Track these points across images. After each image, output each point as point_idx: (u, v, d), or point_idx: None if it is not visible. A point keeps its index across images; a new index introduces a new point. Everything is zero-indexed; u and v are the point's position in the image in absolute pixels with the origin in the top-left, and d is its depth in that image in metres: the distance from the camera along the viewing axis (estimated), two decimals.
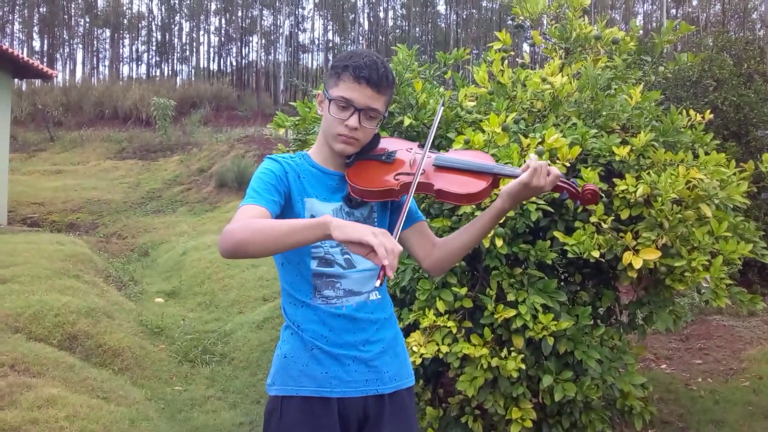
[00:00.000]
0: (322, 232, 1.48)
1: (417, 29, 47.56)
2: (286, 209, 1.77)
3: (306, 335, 1.79)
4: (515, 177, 1.76)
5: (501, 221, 3.12)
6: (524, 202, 3.12)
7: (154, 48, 47.56)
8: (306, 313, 1.80)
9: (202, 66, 46.73)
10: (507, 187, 1.78)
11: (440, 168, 1.86)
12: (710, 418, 4.33)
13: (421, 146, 1.91)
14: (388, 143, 1.96)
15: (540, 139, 3.29)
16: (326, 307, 1.79)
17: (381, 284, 1.44)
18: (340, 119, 1.77)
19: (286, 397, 1.79)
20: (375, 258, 1.41)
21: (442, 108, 1.99)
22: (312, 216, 1.78)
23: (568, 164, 3.22)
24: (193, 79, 41.40)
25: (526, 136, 3.36)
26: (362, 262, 1.82)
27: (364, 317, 1.81)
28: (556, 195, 1.77)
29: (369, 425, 1.82)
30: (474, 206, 3.18)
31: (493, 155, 3.31)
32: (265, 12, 46.04)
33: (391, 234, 1.65)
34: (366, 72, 1.74)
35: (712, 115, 3.73)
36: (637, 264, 3.08)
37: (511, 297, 3.22)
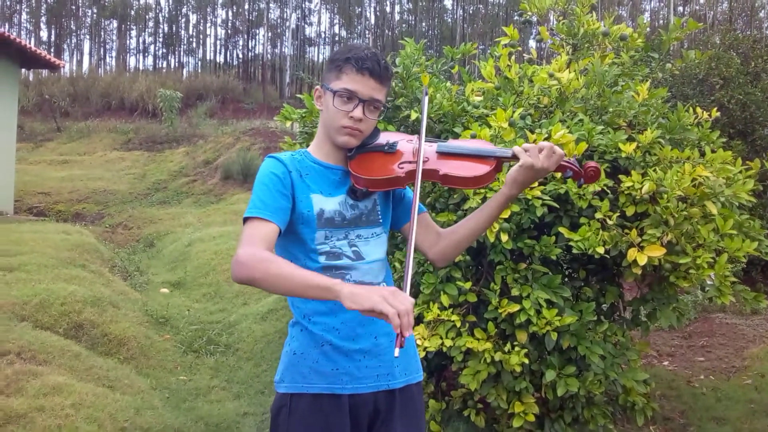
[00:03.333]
0: (332, 297, 1.47)
1: (423, 24, 47.48)
2: (292, 210, 1.77)
3: (317, 328, 1.78)
4: (517, 158, 1.78)
5: (506, 216, 3.15)
6: (530, 198, 3.14)
7: (161, 40, 47.58)
8: (316, 306, 1.79)
9: (208, 58, 46.79)
10: (511, 172, 1.80)
11: (443, 155, 1.87)
12: (712, 415, 4.35)
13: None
14: (388, 136, 1.96)
15: (546, 135, 3.30)
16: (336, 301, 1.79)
17: (400, 351, 1.42)
18: (345, 111, 1.77)
19: (296, 395, 1.78)
20: (389, 320, 1.39)
21: (427, 96, 2.00)
22: (321, 210, 1.78)
23: None
24: (199, 71, 41.40)
25: (532, 132, 3.37)
26: (371, 254, 1.83)
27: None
28: (559, 175, 1.79)
29: (380, 420, 1.82)
30: (479, 200, 3.19)
31: None
32: (272, 5, 46.05)
33: (399, 223, 1.67)
34: (369, 63, 1.75)
35: (718, 113, 3.73)
36: (642, 261, 3.09)
37: (515, 292, 3.23)
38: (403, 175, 1.82)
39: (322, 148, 1.88)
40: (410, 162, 1.84)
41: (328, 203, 1.81)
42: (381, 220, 1.90)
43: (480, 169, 1.82)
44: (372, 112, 1.80)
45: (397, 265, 3.51)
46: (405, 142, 1.93)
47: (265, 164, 1.83)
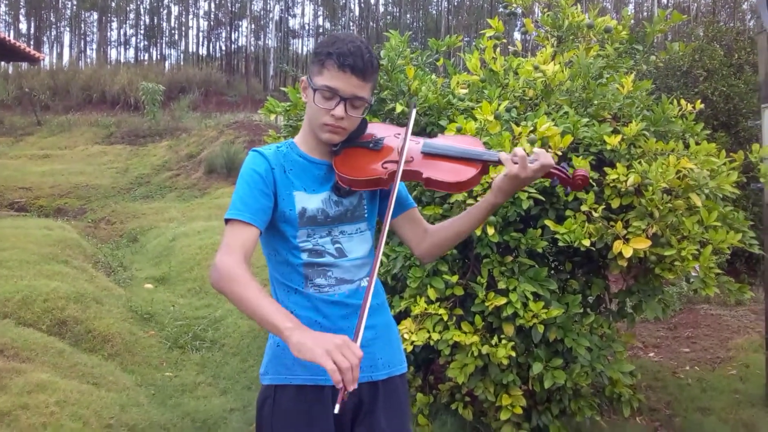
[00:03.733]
0: (282, 339, 1.47)
1: (408, 16, 47.37)
2: (274, 209, 1.76)
3: (300, 321, 1.78)
4: (503, 163, 1.74)
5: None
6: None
7: (142, 32, 47.09)
8: (299, 299, 1.79)
9: (191, 51, 46.44)
10: (497, 181, 1.76)
11: (428, 155, 1.83)
12: (697, 405, 4.38)
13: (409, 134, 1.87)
14: (376, 129, 1.92)
15: (532, 128, 3.29)
16: (319, 295, 1.78)
17: (340, 410, 1.40)
18: (326, 109, 1.74)
19: (280, 386, 1.79)
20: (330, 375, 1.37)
21: (415, 110, 1.96)
22: (303, 209, 1.77)
23: (559, 153, 3.23)
24: (182, 63, 41.11)
25: (518, 125, 3.36)
26: (354, 251, 1.82)
27: (357, 303, 1.78)
28: (548, 182, 1.75)
29: (363, 412, 1.83)
30: (465, 193, 3.18)
31: (485, 143, 3.32)
32: None
33: (383, 218, 1.69)
34: (351, 60, 1.69)
35: (702, 105, 3.74)
36: (627, 253, 3.10)
37: (501, 285, 3.23)
38: (385, 176, 1.78)
39: (308, 142, 1.86)
40: (394, 162, 1.80)
41: (310, 201, 1.79)
42: (366, 216, 1.88)
43: (464, 173, 1.77)
44: (355, 110, 1.76)
45: (384, 259, 3.50)
46: (393, 137, 1.89)
47: (248, 160, 1.80)
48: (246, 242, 1.65)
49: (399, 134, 1.90)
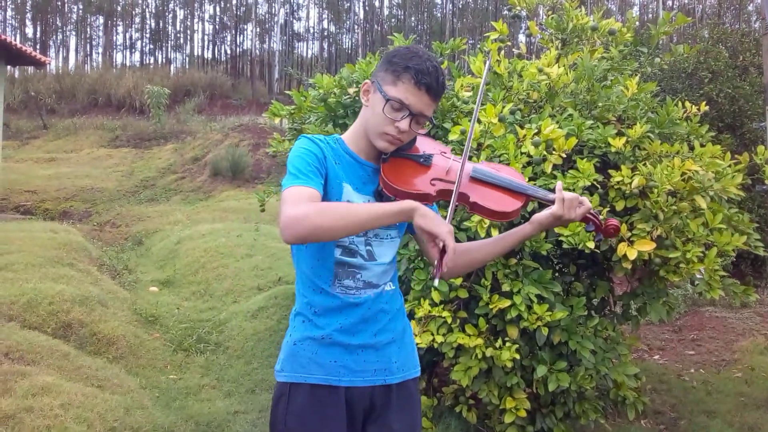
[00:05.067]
0: (405, 217, 1.61)
1: (413, 18, 47.36)
2: (324, 193, 1.75)
3: (320, 322, 1.78)
4: (546, 201, 1.80)
5: None
6: None
7: (147, 35, 47.22)
8: (324, 299, 1.79)
9: (196, 54, 46.46)
10: (539, 216, 1.80)
11: (476, 180, 1.84)
12: (702, 408, 4.37)
13: (456, 153, 1.88)
14: (421, 143, 1.92)
15: (536, 130, 3.29)
16: (344, 297, 1.78)
17: (437, 280, 1.58)
18: (391, 119, 1.75)
19: (294, 384, 1.80)
20: (436, 253, 1.56)
21: (475, 122, 1.98)
22: (348, 203, 1.77)
23: (564, 155, 3.23)
24: (187, 67, 41.15)
25: (522, 127, 3.36)
26: (382, 256, 1.83)
27: (379, 307, 1.82)
28: (584, 225, 1.80)
29: (375, 414, 1.84)
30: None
31: (488, 146, 3.32)
32: (260, 0, 45.84)
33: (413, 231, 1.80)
34: (428, 79, 1.71)
35: (707, 107, 3.73)
36: (632, 255, 3.09)
37: (505, 287, 3.23)
38: (434, 193, 1.79)
39: (358, 143, 1.86)
40: (443, 180, 1.81)
41: (355, 197, 1.80)
42: (399, 224, 1.88)
43: (509, 204, 1.81)
44: (418, 126, 1.78)
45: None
46: (439, 156, 1.89)
47: (300, 142, 1.79)
48: (312, 196, 1.63)
49: (444, 152, 1.90)
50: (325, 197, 1.74)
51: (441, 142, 2.03)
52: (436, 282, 1.58)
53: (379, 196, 1.83)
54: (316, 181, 1.69)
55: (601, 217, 1.82)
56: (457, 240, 2.02)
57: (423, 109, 1.74)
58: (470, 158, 2.01)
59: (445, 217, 1.68)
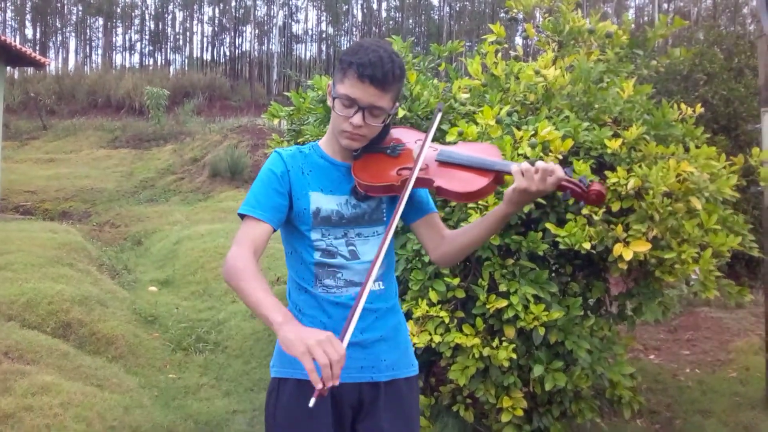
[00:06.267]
0: (272, 329, 1.51)
1: (410, 21, 47.40)
2: (290, 207, 1.82)
3: (305, 320, 1.82)
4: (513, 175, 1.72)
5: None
6: None
7: (147, 37, 47.23)
8: (307, 298, 1.85)
9: (195, 56, 46.47)
10: (507, 192, 1.73)
11: (443, 163, 1.82)
12: (697, 408, 4.39)
13: (441, 142, 1.87)
14: (400, 134, 1.94)
15: (533, 132, 3.32)
16: (326, 296, 1.83)
17: (313, 404, 1.42)
18: (345, 116, 1.77)
19: (283, 379, 1.85)
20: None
21: (440, 115, 1.98)
22: (317, 209, 1.82)
23: (560, 157, 3.25)
24: (186, 68, 41.14)
25: (519, 129, 3.39)
26: (368, 254, 1.85)
27: (363, 306, 1.81)
28: (560, 194, 1.71)
29: (364, 412, 1.85)
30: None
31: None
32: (258, 2, 45.83)
33: (405, 222, 1.83)
34: (370, 70, 1.70)
35: (702, 109, 3.76)
36: (628, 256, 3.11)
37: (502, 287, 3.25)
38: (398, 183, 1.79)
39: (333, 145, 1.90)
40: (409, 168, 1.80)
41: (326, 202, 1.83)
42: (385, 219, 1.90)
43: (475, 183, 1.75)
44: (374, 118, 1.78)
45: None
46: (412, 144, 1.89)
47: (268, 160, 1.88)
48: (256, 238, 1.73)
49: (420, 140, 1.90)
50: (292, 209, 1.83)
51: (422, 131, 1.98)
52: (311, 402, 1.42)
53: (355, 193, 1.86)
54: (269, 206, 1.77)
55: (586, 184, 1.67)
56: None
57: (372, 101, 1.74)
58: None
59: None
